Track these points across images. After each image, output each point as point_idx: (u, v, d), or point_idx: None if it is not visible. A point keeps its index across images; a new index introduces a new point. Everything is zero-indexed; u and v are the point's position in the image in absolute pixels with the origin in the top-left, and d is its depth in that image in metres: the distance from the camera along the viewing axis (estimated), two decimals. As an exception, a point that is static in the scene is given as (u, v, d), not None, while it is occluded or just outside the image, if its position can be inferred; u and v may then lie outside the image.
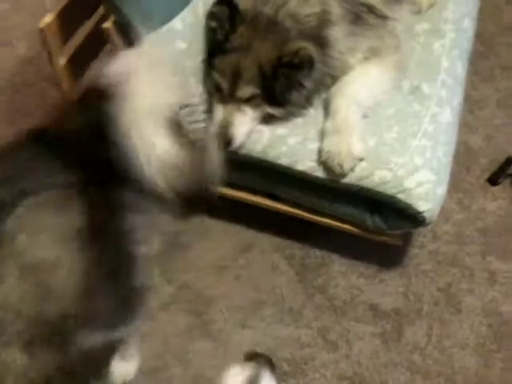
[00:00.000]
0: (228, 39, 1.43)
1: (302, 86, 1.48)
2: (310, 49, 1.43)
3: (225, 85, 1.46)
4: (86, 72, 1.66)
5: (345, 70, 1.57)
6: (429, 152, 1.51)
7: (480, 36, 2.44)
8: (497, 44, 2.44)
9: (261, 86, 1.45)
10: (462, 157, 2.03)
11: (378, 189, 1.49)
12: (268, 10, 1.43)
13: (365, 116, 1.55)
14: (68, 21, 1.47)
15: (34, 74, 2.20)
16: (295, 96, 1.50)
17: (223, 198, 1.78)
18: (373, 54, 1.59)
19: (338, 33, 1.51)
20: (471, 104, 2.19)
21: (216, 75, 1.46)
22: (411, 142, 1.51)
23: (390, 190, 1.48)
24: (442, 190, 1.51)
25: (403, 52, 1.65)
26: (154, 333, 1.65)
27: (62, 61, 1.52)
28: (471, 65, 2.32)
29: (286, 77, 1.44)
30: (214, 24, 1.44)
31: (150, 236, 1.83)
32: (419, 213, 1.48)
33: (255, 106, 1.50)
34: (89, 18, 1.55)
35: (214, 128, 1.50)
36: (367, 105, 1.55)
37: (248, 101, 1.48)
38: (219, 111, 1.49)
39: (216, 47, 1.45)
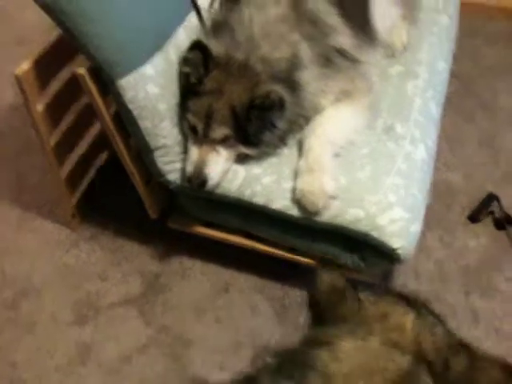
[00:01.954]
0: (201, 82, 1.47)
1: (274, 126, 1.51)
2: (281, 91, 1.47)
3: (199, 126, 1.49)
4: (64, 117, 1.71)
5: (317, 110, 1.60)
6: (402, 190, 1.52)
7: (460, 77, 2.51)
8: (477, 85, 2.50)
9: (234, 127, 1.48)
10: (443, 195, 2.04)
11: (352, 226, 1.50)
12: (240, 54, 1.47)
13: (337, 155, 1.57)
14: (45, 67, 1.50)
15: (20, 121, 2.25)
16: (268, 136, 1.52)
17: (202, 238, 1.79)
18: (344, 95, 1.62)
19: (308, 76, 1.54)
20: (452, 143, 2.22)
21: (190, 117, 1.49)
22: (385, 180, 1.53)
23: (363, 227, 1.49)
24: (416, 227, 1.51)
25: (375, 94, 1.69)
26: (131, 376, 1.62)
27: (39, 107, 1.55)
28: (452, 105, 2.38)
29: (258, 118, 1.47)
30: (187, 69, 1.48)
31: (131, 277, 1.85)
32: (393, 250, 1.48)
33: (229, 147, 1.52)
34: (67, 63, 1.59)
35: (189, 168, 1.52)
36: (340, 144, 1.58)
37: (222, 141, 1.50)
38: (194, 152, 1.52)
39: (190, 90, 1.49)
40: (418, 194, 1.54)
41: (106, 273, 1.85)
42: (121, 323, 1.74)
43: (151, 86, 1.44)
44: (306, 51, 1.56)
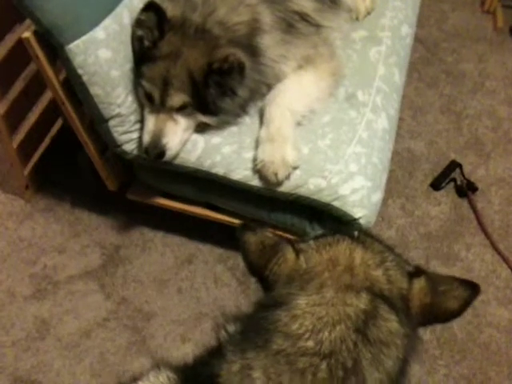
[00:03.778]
0: (156, 46, 1.40)
1: (234, 93, 1.46)
2: (240, 55, 1.41)
3: (155, 93, 1.42)
4: (14, 84, 1.63)
5: (279, 77, 1.55)
6: (363, 159, 1.50)
7: (425, 42, 2.49)
8: (442, 50, 2.48)
9: (192, 94, 1.42)
10: (406, 162, 2.04)
11: (314, 197, 1.48)
12: (196, 17, 1.41)
13: (299, 124, 1.53)
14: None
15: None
16: (228, 104, 1.47)
17: (164, 209, 1.75)
18: (307, 61, 1.58)
19: (269, 41, 1.49)
20: (415, 110, 2.21)
21: (146, 84, 1.43)
22: (346, 149, 1.50)
23: (325, 197, 1.47)
24: (377, 197, 1.50)
25: (338, 60, 1.65)
26: (91, 350, 1.60)
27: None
28: (416, 71, 2.37)
29: (218, 84, 1.41)
30: (140, 32, 1.41)
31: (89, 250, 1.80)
32: (355, 219, 1.47)
33: (188, 115, 1.46)
34: (14, 27, 1.51)
35: (146, 138, 1.46)
36: (302, 113, 1.54)
37: (180, 109, 1.44)
38: (151, 121, 1.46)
39: (144, 55, 1.42)
40: (378, 163, 1.53)
41: (64, 245, 1.80)
42: (80, 297, 1.70)
43: (103, 51, 1.36)
44: (266, 15, 1.50)
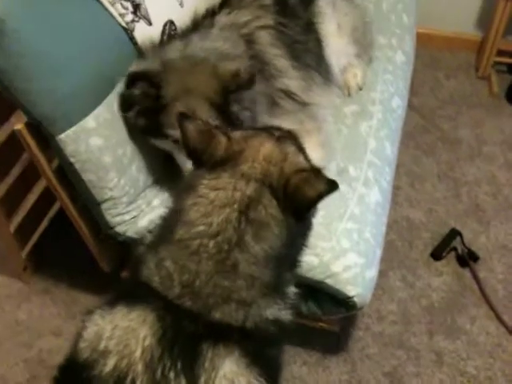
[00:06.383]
0: (159, 98, 1.36)
1: (254, 103, 1.43)
2: (245, 64, 1.40)
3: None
4: (10, 170, 1.66)
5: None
6: (355, 235, 1.49)
7: (421, 110, 2.52)
8: (437, 117, 2.51)
9: (217, 116, 1.36)
10: (405, 231, 2.02)
11: (307, 275, 1.46)
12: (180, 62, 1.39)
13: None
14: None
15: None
16: (247, 117, 1.41)
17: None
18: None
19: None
20: (412, 178, 2.21)
21: (171, 130, 1.36)
22: (337, 225, 1.49)
23: (318, 275, 1.45)
24: (371, 273, 1.48)
25: (326, 134, 1.66)
26: None
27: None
28: (412, 139, 2.39)
29: (238, 100, 1.38)
30: (138, 102, 1.39)
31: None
32: (349, 298, 1.44)
33: None
34: (10, 116, 1.56)
35: None
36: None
37: None
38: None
39: (153, 115, 1.38)
40: (371, 238, 1.51)
41: (60, 328, 1.78)
42: (75, 382, 1.66)
43: (94, 139, 1.39)
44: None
